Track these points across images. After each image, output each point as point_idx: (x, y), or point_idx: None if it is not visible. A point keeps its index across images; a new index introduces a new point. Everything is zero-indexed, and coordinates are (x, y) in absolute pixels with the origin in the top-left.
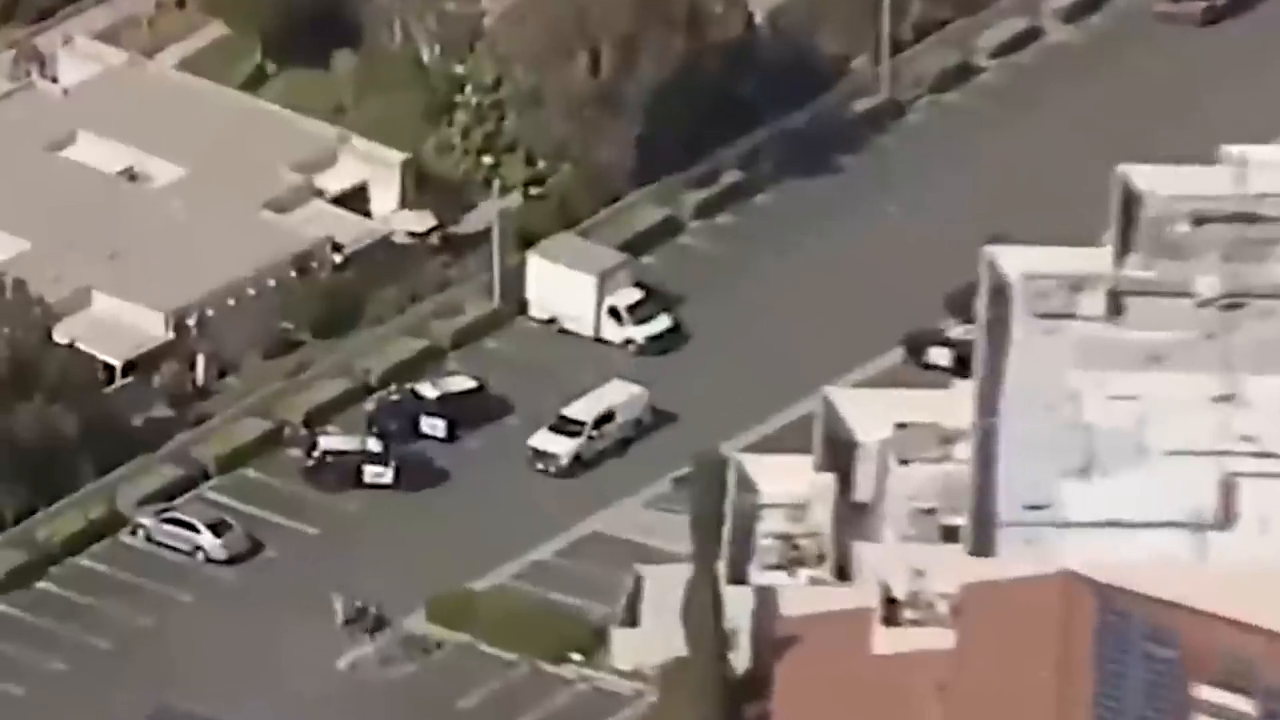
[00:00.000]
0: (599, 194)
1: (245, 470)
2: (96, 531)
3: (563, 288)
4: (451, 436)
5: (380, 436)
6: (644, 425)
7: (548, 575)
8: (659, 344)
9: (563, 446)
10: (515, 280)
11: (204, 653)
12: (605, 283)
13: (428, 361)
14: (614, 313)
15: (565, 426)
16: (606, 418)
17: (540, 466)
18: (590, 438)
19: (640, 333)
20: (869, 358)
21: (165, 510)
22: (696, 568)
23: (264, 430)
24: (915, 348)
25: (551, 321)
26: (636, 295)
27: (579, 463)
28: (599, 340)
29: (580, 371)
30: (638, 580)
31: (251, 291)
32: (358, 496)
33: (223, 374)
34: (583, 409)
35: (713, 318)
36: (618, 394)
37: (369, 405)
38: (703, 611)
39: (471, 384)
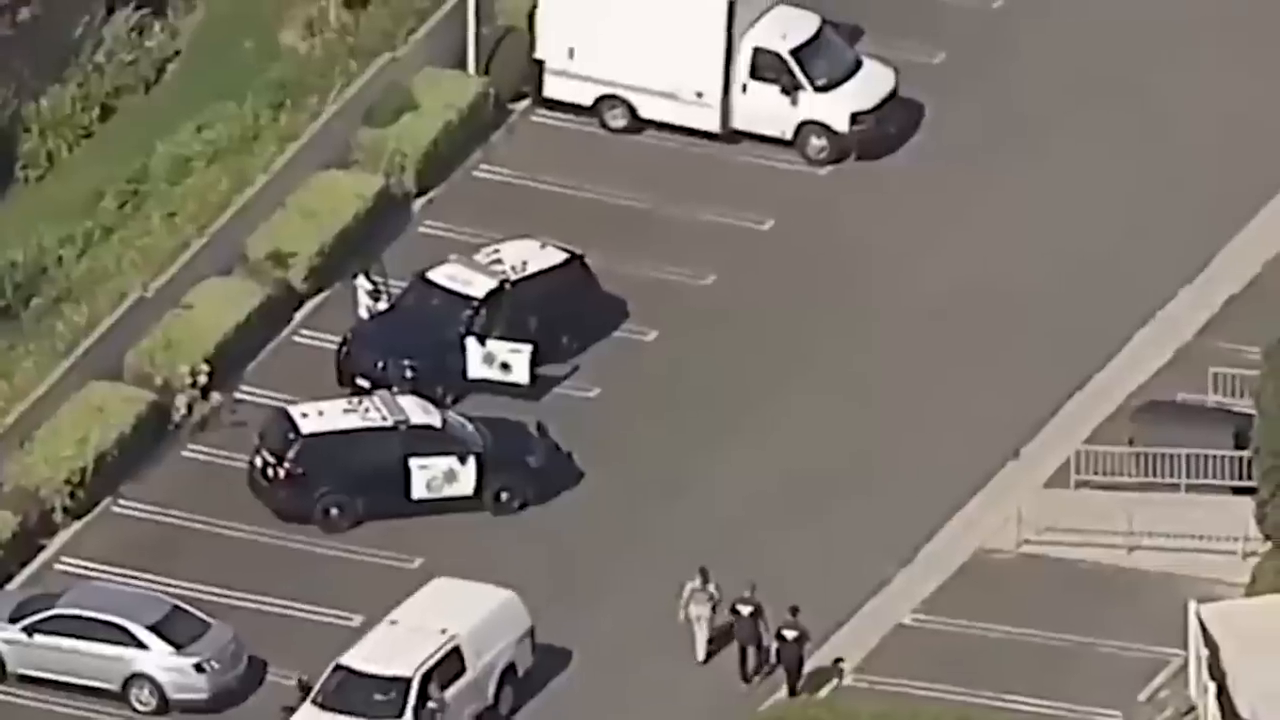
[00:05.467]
0: None
1: (117, 502)
2: None
3: (640, 24)
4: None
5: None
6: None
7: (923, 654)
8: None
9: None
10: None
11: None
12: (746, 4)
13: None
14: (774, 70)
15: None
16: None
17: None
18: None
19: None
20: None
21: (31, 610)
22: None
23: (137, 411)
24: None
25: (597, 107)
26: (811, 28)
27: None
28: (733, 134)
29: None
30: (1202, 629)
31: None
32: (402, 531)
33: None
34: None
35: None
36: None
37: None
38: None
39: (558, 255)
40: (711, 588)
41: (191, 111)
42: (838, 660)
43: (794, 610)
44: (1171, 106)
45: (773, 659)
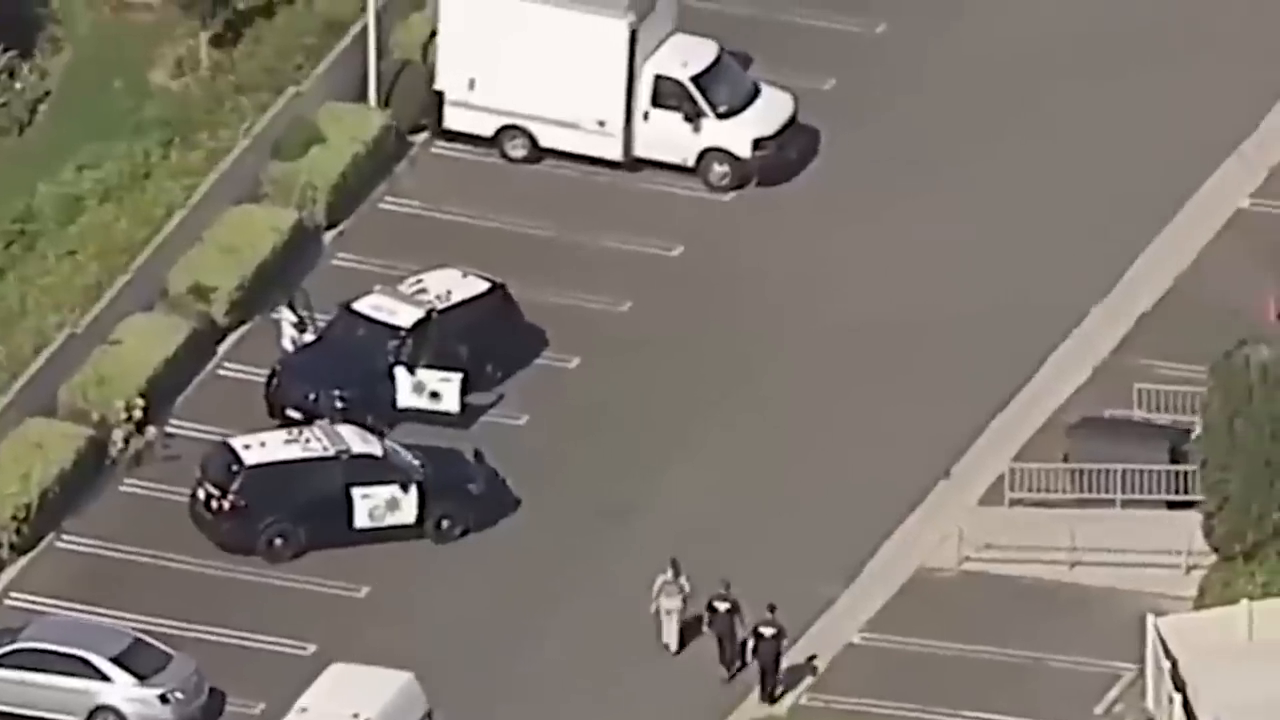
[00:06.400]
0: None
1: (60, 537)
2: None
3: (541, 54)
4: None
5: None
6: None
7: (876, 672)
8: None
9: None
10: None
11: None
12: (646, 29)
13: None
14: (676, 98)
15: None
16: None
17: None
18: None
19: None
20: None
21: None
22: None
23: (76, 447)
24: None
25: (497, 137)
26: (711, 55)
27: None
28: (634, 162)
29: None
30: (1159, 643)
31: None
32: (345, 560)
33: None
34: None
35: None
36: None
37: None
38: None
39: (481, 285)
40: (683, 580)
41: (67, 151)
42: (811, 657)
43: (771, 608)
44: (1068, 123)
45: (748, 655)
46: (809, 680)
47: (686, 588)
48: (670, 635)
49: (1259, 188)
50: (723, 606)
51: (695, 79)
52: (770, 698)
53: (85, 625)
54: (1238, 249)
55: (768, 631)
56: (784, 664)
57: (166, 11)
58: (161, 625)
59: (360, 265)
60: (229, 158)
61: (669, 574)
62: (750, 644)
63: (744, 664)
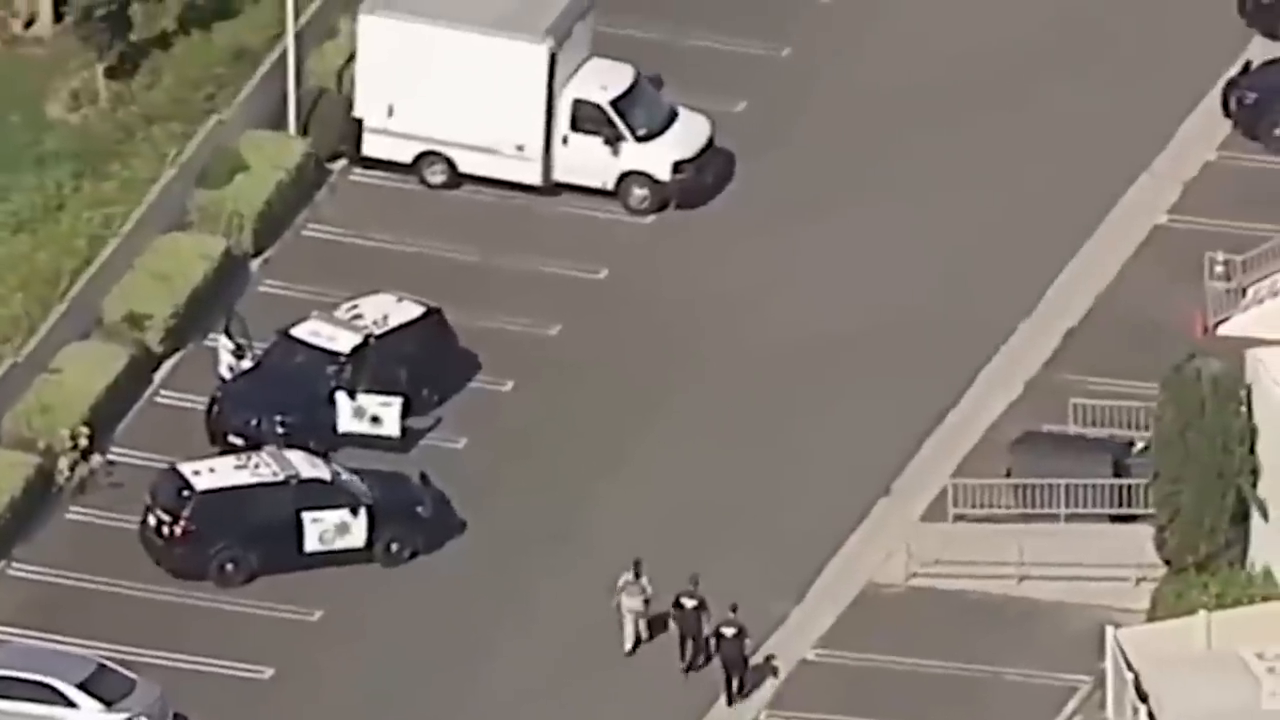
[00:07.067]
0: None
1: (10, 565)
2: None
3: (460, 80)
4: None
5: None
6: None
7: (832, 688)
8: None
9: None
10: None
11: None
12: (564, 54)
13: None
14: (595, 122)
15: None
16: None
17: None
18: None
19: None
20: None
21: None
22: None
23: (25, 475)
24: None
25: (416, 164)
26: (628, 78)
27: None
28: (554, 186)
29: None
30: (1119, 654)
31: None
32: (294, 584)
33: None
34: None
35: None
36: None
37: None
38: None
39: (416, 309)
40: (644, 581)
41: None
42: (769, 657)
43: (733, 608)
44: (980, 143)
45: (712, 653)
46: (772, 683)
47: (649, 590)
48: (630, 635)
49: (1175, 204)
50: (690, 603)
51: (614, 103)
52: (733, 699)
53: (50, 652)
54: (1157, 265)
55: (729, 632)
56: (749, 663)
57: (58, 45)
58: (116, 651)
59: (287, 292)
60: (156, 186)
61: (631, 574)
62: (713, 645)
63: (707, 660)
